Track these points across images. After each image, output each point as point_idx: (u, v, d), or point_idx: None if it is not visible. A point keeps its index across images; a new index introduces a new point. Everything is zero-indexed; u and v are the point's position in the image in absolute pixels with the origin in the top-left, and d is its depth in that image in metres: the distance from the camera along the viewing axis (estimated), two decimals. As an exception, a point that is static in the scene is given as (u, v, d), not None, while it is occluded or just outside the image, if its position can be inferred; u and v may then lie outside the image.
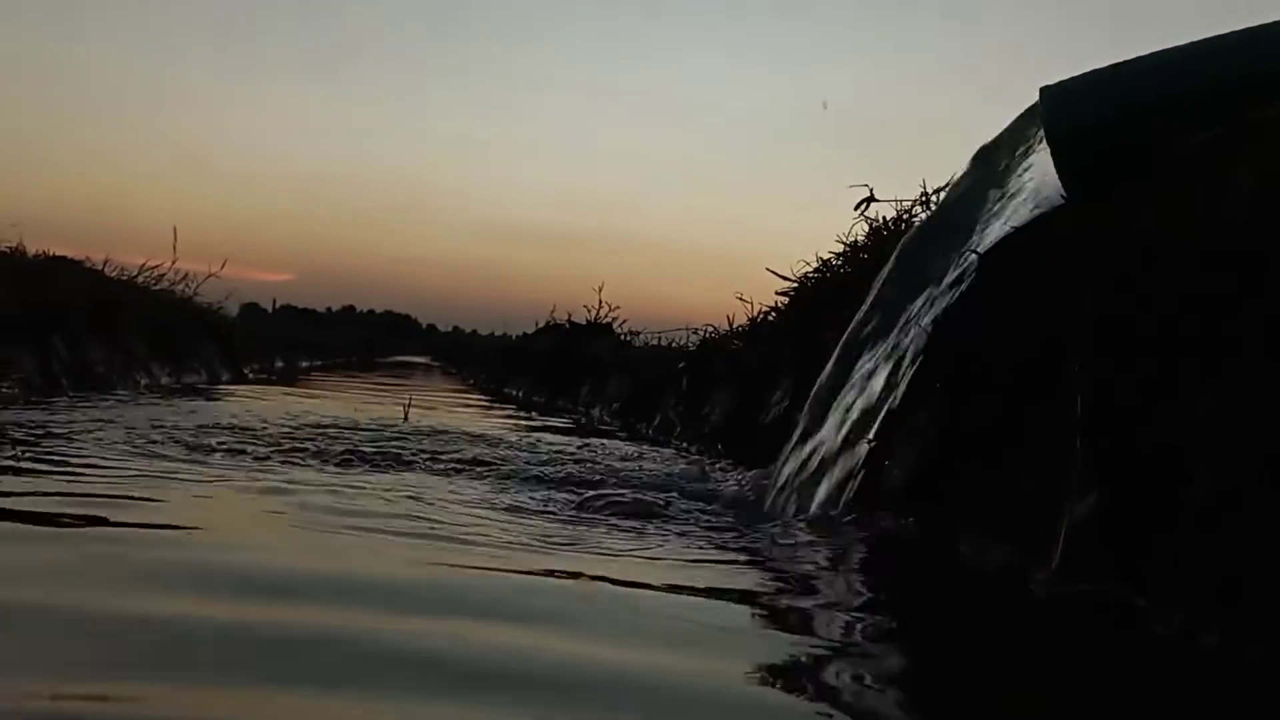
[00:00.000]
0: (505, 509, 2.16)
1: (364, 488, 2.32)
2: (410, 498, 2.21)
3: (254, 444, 2.95)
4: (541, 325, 10.96)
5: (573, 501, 2.30)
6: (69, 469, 2.26)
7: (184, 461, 2.51)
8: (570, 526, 2.02)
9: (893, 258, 2.51)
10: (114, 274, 7.07)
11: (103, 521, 1.71)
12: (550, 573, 1.59)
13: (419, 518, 1.97)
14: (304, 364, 12.98)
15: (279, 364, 10.96)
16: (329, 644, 1.14)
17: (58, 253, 6.65)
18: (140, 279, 7.39)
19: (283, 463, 2.65)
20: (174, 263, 7.73)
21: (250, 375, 8.54)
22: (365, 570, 1.56)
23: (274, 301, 20.33)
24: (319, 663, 1.07)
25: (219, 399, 5.34)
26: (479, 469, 2.81)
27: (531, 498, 2.34)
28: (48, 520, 1.69)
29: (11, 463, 2.30)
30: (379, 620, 1.25)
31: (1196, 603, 1.34)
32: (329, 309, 42.07)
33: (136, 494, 2.02)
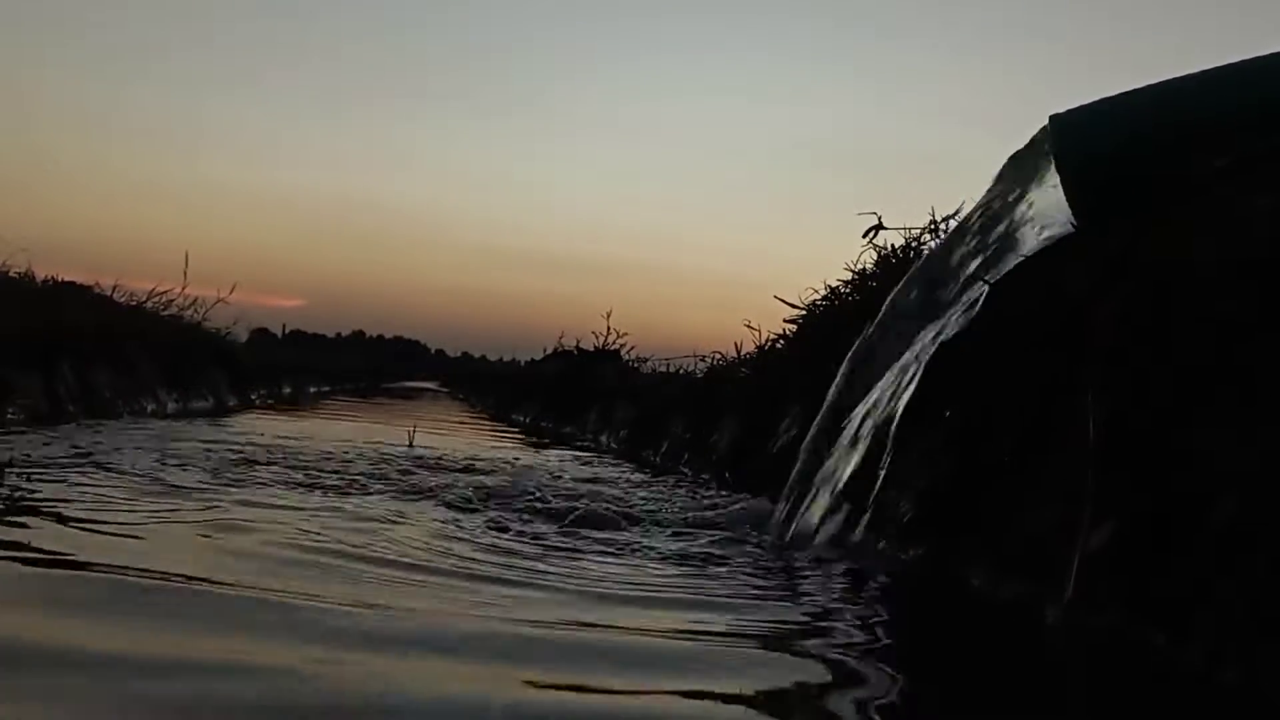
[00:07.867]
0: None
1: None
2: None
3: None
4: (550, 351, 10.92)
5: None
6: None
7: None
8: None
9: (908, 273, 2.48)
10: (123, 299, 7.08)
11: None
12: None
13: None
14: (312, 389, 12.97)
15: (286, 390, 10.95)
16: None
17: (66, 278, 6.66)
18: (149, 304, 7.40)
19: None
20: (184, 288, 7.72)
21: (257, 401, 8.53)
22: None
23: (284, 327, 20.35)
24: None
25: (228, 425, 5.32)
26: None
27: (523, 527, 2.32)
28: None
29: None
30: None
31: (1216, 637, 1.31)
32: (339, 334, 42.31)
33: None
